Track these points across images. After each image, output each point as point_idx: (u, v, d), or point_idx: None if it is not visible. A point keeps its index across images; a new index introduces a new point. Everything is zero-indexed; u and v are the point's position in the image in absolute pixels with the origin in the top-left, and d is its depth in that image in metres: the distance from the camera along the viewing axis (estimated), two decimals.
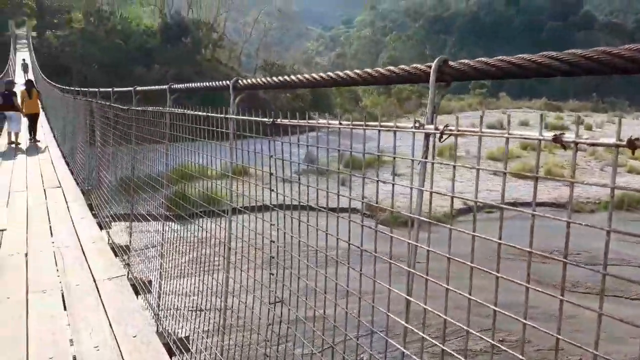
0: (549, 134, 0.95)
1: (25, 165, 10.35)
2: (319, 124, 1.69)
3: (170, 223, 3.60)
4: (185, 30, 51.75)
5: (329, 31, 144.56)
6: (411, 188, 1.28)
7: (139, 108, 3.93)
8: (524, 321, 1.02)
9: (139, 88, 4.16)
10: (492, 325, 1.11)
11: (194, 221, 3.04)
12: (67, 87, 11.24)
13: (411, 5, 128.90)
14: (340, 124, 1.56)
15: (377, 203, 1.54)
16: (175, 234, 3.58)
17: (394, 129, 1.33)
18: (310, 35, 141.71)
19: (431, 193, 1.24)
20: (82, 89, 8.33)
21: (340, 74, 1.67)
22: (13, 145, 13.17)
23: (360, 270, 1.57)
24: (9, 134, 13.54)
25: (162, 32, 50.47)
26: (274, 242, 2.03)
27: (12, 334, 3.44)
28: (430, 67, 1.26)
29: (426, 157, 1.25)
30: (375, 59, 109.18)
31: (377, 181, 1.42)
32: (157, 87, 3.54)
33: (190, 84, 3.09)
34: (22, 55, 38.77)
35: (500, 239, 1.08)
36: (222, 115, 2.42)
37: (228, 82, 2.40)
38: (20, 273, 4.60)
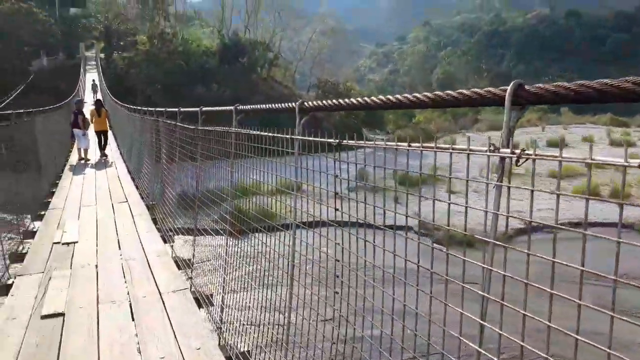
0: (634, 161, 0.93)
1: (94, 180, 10.99)
2: (386, 145, 1.71)
3: (233, 238, 3.71)
4: (242, 50, 53.58)
5: (382, 48, 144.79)
6: (486, 211, 1.28)
7: (206, 127, 4.11)
8: (610, 351, 0.99)
9: (205, 108, 4.36)
10: (574, 356, 1.08)
11: (257, 236, 3.12)
12: (134, 107, 11.89)
13: (466, 20, 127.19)
14: (410, 145, 1.58)
15: (448, 225, 1.53)
16: (238, 249, 3.68)
17: (467, 151, 1.33)
18: (363, 52, 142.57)
19: (507, 217, 1.23)
20: (149, 108, 8.79)
21: (409, 96, 1.69)
22: (82, 161, 14.03)
23: (431, 293, 1.57)
24: (79, 150, 14.44)
25: (221, 53, 52.45)
26: (339, 261, 2.06)
27: (84, 343, 3.64)
28: (505, 90, 1.26)
29: (501, 181, 1.25)
30: (429, 74, 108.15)
31: (449, 203, 1.42)
32: (222, 107, 3.69)
33: (256, 106, 3.20)
34: (91, 76, 41.43)
35: (582, 265, 1.05)
36: (288, 136, 2.50)
37: (294, 104, 2.48)
38: (91, 284, 4.87)
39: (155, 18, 59.90)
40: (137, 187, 9.86)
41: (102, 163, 13.99)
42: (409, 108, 1.77)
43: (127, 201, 8.59)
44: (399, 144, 1.63)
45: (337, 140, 2.01)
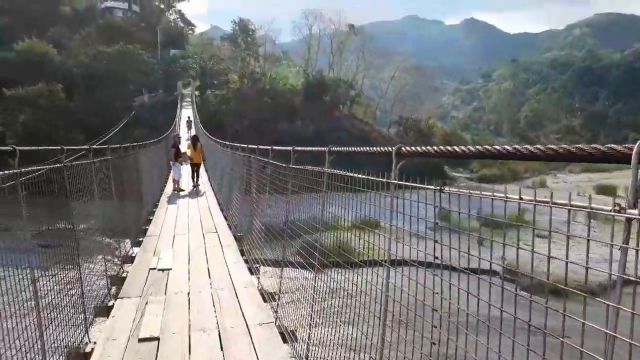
0: None
1: (187, 210, 11.69)
2: (494, 196, 1.70)
3: (322, 272, 3.76)
4: (325, 88, 55.27)
5: (466, 85, 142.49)
6: (610, 274, 1.23)
7: (298, 167, 4.28)
8: None
9: (297, 148, 4.54)
10: None
11: (347, 272, 3.15)
12: (227, 143, 12.59)
13: (557, 57, 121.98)
14: (521, 198, 1.56)
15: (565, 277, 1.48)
16: (327, 284, 3.71)
17: (589, 209, 1.29)
18: (446, 89, 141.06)
19: (636, 282, 1.17)
20: (241, 145, 9.29)
21: (519, 147, 1.67)
22: (177, 192, 14.99)
23: (528, 345, 1.51)
24: (175, 181, 15.48)
25: (305, 90, 54.43)
26: (436, 310, 2.03)
27: None
28: (631, 148, 1.22)
29: (627, 243, 1.20)
30: (516, 112, 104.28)
31: (566, 262, 1.37)
32: (315, 148, 3.81)
33: (350, 148, 3.28)
34: (187, 112, 44.54)
35: None
36: (384, 180, 2.54)
37: (390, 148, 2.50)
38: (184, 311, 5.14)
39: (246, 59, 63.63)
40: (225, 218, 10.34)
41: (195, 193, 14.86)
42: (512, 159, 1.73)
43: (216, 231, 9.03)
44: (509, 196, 1.62)
45: (440, 188, 2.01)
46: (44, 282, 3.71)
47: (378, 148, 2.74)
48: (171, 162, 15.54)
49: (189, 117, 37.50)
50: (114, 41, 49.22)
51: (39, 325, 3.44)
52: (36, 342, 3.38)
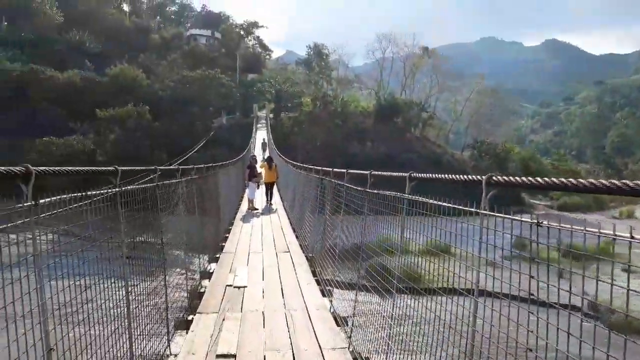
0: None
1: (260, 229, 12.02)
2: (601, 233, 1.60)
3: (400, 297, 3.69)
4: (397, 110, 55.09)
5: (546, 108, 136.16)
6: None
7: (376, 191, 4.27)
8: None
9: (375, 173, 4.55)
10: None
11: (429, 299, 3.07)
12: (302, 165, 12.88)
13: None
14: (632, 237, 1.46)
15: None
16: (403, 311, 3.63)
17: None
18: (524, 113, 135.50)
19: None
20: (315, 167, 9.46)
21: (605, 182, 1.57)
22: (251, 210, 15.47)
23: None
24: (249, 200, 15.99)
25: (377, 113, 54.59)
26: (531, 350, 1.93)
27: None
28: None
29: None
30: (600, 137, 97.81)
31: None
32: (396, 174, 3.79)
33: (432, 175, 3.23)
34: (261, 133, 46.16)
35: None
36: (473, 209, 2.47)
37: (480, 177, 2.44)
38: (259, 329, 5.24)
39: (320, 82, 65.07)
40: (297, 238, 10.51)
41: (268, 212, 15.28)
42: (611, 194, 1.64)
43: (289, 251, 9.19)
44: (618, 234, 1.52)
45: (536, 222, 1.94)
46: (135, 293, 3.94)
47: (465, 177, 2.68)
48: (247, 182, 16.12)
49: (264, 139, 38.83)
50: (197, 66, 52.45)
51: (130, 335, 3.66)
52: (126, 351, 3.59)
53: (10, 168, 1.98)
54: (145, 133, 42.19)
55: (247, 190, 16.56)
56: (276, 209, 15.70)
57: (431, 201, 3.01)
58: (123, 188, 3.40)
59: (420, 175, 3.43)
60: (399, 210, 3.74)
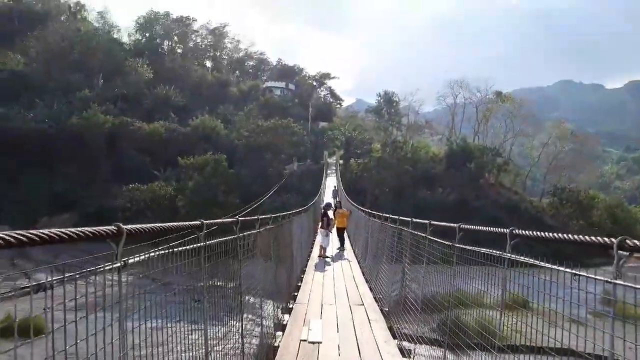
0: None
1: (332, 278, 11.81)
2: None
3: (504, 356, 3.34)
4: (469, 156, 53.61)
5: (632, 153, 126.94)
6: None
7: (469, 247, 4.02)
8: None
9: (464, 226, 4.29)
10: None
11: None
12: (373, 212, 12.70)
13: None
14: None
15: None
16: None
17: None
18: (607, 158, 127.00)
19: None
20: (391, 215, 9.23)
21: None
22: (323, 258, 15.35)
23: None
24: (321, 247, 15.91)
25: (448, 158, 53.50)
26: None
27: None
28: None
29: None
30: None
31: None
32: (497, 229, 3.50)
33: (540, 233, 2.91)
34: (331, 179, 46.66)
35: None
36: (600, 278, 2.17)
37: (611, 240, 2.12)
38: None
39: (389, 128, 65.27)
40: (371, 290, 10.18)
41: (339, 259, 15.10)
42: None
43: (362, 304, 8.89)
44: None
45: None
46: (213, 335, 3.89)
47: (589, 238, 2.36)
48: (321, 230, 16.11)
49: (334, 187, 39.12)
50: (271, 116, 54.80)
51: None
52: None
53: (102, 228, 2.01)
54: (221, 179, 44.10)
55: (318, 237, 16.54)
56: (347, 257, 15.50)
57: (546, 265, 2.69)
58: (208, 242, 3.45)
59: (523, 232, 3.11)
60: (496, 267, 3.47)
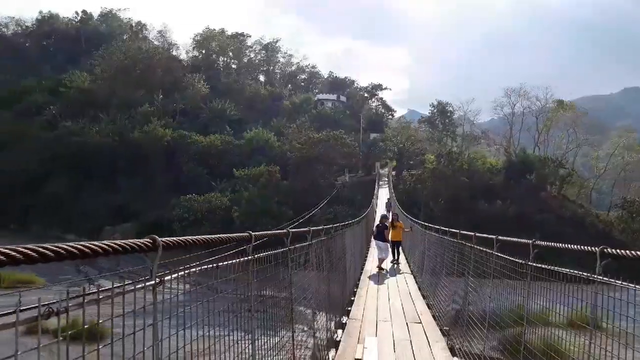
0: None
1: (387, 293, 11.35)
2: None
3: None
4: (530, 167, 51.27)
5: None
6: None
7: (543, 266, 3.55)
8: None
9: (539, 243, 3.82)
10: None
11: None
12: (430, 225, 12.17)
13: None
14: None
15: None
16: None
17: None
18: None
19: None
20: (451, 229, 8.71)
21: None
22: (378, 270, 14.90)
23: None
24: (379, 260, 15.47)
25: (507, 170, 51.42)
26: None
27: None
28: None
29: None
30: None
31: None
32: (583, 247, 3.04)
33: (631, 252, 2.48)
34: (383, 190, 45.97)
35: None
36: None
37: None
38: None
39: (443, 139, 63.74)
40: (428, 306, 9.65)
41: (395, 274, 14.60)
42: None
43: (420, 322, 8.40)
44: None
45: None
46: (261, 344, 3.64)
47: None
48: (377, 242, 15.69)
49: (388, 199, 38.44)
50: (323, 128, 54.99)
51: None
52: None
53: (137, 241, 1.80)
54: (274, 190, 44.64)
55: (375, 250, 16.14)
56: (403, 271, 14.99)
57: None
58: (256, 255, 3.22)
59: (615, 251, 2.63)
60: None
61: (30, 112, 57.21)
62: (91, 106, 56.65)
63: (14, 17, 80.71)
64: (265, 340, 3.73)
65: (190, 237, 2.15)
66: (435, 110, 66.55)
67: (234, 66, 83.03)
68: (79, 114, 55.11)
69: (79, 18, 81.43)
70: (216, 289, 2.78)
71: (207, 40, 78.62)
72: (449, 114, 66.20)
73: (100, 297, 1.71)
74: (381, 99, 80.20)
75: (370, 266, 15.59)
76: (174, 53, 76.52)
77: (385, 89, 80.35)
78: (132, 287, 1.85)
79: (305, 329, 5.84)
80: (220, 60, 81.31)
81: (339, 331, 7.74)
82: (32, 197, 47.61)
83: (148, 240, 1.85)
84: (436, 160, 52.00)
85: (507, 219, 42.05)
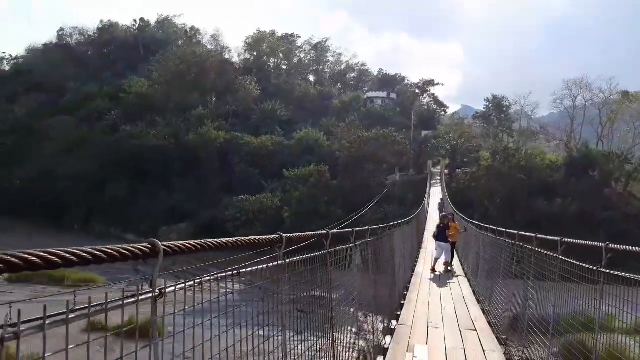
0: None
1: (439, 297, 10.81)
2: None
3: None
4: (593, 163, 48.33)
5: None
6: None
7: (624, 275, 3.08)
8: None
9: (612, 246, 3.33)
10: None
11: None
12: (486, 226, 11.49)
13: None
14: None
15: None
16: None
17: None
18: None
19: None
20: (508, 230, 8.12)
21: None
22: (432, 272, 14.31)
23: None
24: (436, 260, 14.87)
25: (568, 166, 48.74)
26: None
27: None
28: None
29: None
30: None
31: None
32: None
33: None
34: (435, 189, 44.71)
35: None
36: None
37: None
38: None
39: (499, 135, 61.33)
40: (484, 313, 9.07)
41: (447, 277, 13.97)
42: None
43: (475, 329, 7.86)
44: None
45: None
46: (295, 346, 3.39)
47: None
48: (438, 242, 15.11)
49: (441, 199, 37.31)
50: (373, 126, 54.32)
51: None
52: None
53: (135, 247, 1.58)
54: (323, 190, 44.55)
55: (434, 250, 15.52)
56: (456, 276, 14.30)
57: None
58: (288, 260, 2.95)
59: None
60: None
61: (93, 118, 60.22)
62: (149, 110, 58.94)
63: (77, 27, 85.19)
64: (297, 343, 3.48)
65: (192, 242, 1.90)
66: (490, 105, 64.20)
67: (284, 67, 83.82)
68: (138, 118, 57.46)
69: (137, 26, 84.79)
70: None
71: (258, 43, 79.77)
72: (504, 109, 63.64)
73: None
74: (433, 95, 78.22)
75: (422, 269, 15.01)
76: (227, 56, 78.12)
77: (438, 84, 78.22)
78: (133, 299, 1.63)
79: (349, 334, 5.53)
80: (271, 61, 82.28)
81: (387, 337, 7.36)
82: (94, 199, 50.09)
83: (147, 245, 1.63)
84: (491, 158, 50.02)
85: (568, 218, 39.82)
